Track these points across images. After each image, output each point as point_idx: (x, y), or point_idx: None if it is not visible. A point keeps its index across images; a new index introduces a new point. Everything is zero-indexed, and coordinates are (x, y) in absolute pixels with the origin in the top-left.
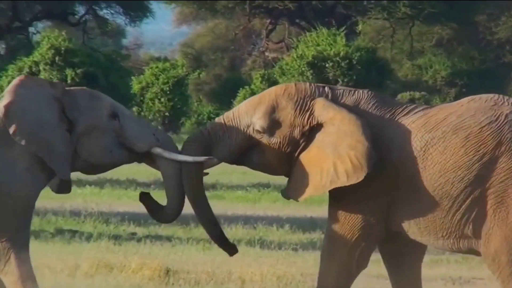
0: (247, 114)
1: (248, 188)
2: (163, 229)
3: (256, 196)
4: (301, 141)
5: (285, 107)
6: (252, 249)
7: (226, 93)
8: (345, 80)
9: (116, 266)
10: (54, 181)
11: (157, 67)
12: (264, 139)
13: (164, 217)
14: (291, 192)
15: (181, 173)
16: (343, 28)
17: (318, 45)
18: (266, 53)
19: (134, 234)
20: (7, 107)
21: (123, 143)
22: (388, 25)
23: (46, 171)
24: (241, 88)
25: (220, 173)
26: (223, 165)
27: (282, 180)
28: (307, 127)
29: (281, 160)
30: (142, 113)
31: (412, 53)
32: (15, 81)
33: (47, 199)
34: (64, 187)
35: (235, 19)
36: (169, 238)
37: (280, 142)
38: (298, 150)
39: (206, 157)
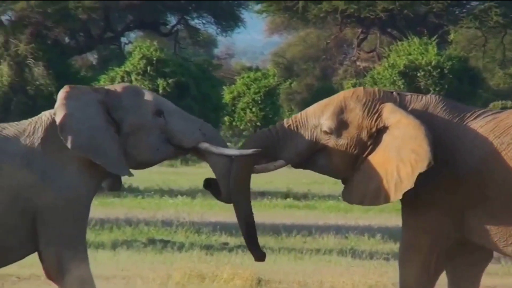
0: (315, 115)
1: (339, 197)
2: None
3: (348, 206)
4: (368, 144)
5: (353, 109)
6: (344, 259)
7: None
8: (437, 89)
9: (208, 276)
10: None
11: (248, 76)
12: (331, 140)
13: (222, 198)
14: (354, 196)
15: (231, 166)
16: (435, 37)
17: (410, 54)
18: (358, 63)
19: (226, 244)
20: (62, 123)
21: (170, 139)
22: (480, 34)
23: (97, 174)
24: None
25: (311, 183)
26: (315, 175)
27: None
28: (374, 129)
29: (347, 163)
30: (234, 123)
31: (504, 62)
32: (61, 94)
33: (138, 209)
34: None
35: (327, 29)
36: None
37: (347, 143)
38: (365, 153)
39: (254, 150)
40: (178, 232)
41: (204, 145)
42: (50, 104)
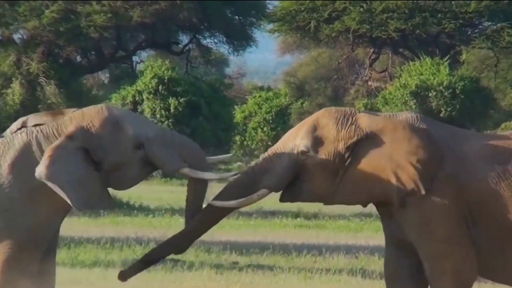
0: (290, 139)
1: (350, 217)
2: (265, 258)
3: (358, 225)
4: (346, 156)
5: (326, 124)
6: (354, 279)
7: None
8: (448, 109)
9: None
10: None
11: (260, 96)
12: (310, 159)
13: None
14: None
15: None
16: (447, 57)
17: (422, 74)
18: (369, 82)
19: (236, 263)
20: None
21: (151, 164)
22: (492, 55)
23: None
24: None
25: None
26: None
27: None
28: (352, 141)
29: (330, 181)
30: (245, 142)
31: None
32: (47, 153)
33: (149, 227)
34: None
35: (339, 48)
36: (270, 267)
37: (325, 158)
38: (345, 165)
39: (232, 173)
40: (188, 251)
41: (185, 171)
42: None
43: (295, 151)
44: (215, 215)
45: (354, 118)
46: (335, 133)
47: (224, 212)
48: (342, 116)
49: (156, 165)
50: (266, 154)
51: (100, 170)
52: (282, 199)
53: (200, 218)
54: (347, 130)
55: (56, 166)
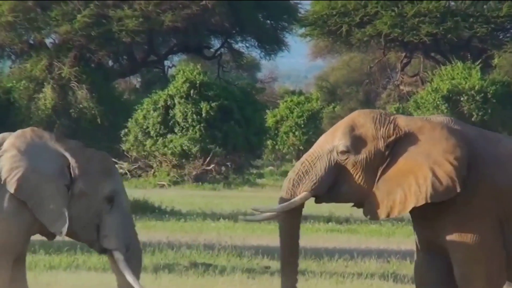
0: (327, 141)
1: (382, 222)
2: None
3: (390, 230)
4: (386, 154)
5: (364, 123)
6: (386, 283)
7: None
8: (480, 113)
9: None
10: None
11: (291, 100)
12: (350, 159)
13: None
14: (380, 210)
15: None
16: (479, 61)
17: (453, 78)
18: (401, 87)
19: (267, 267)
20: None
21: (98, 227)
22: None
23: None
24: None
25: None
26: None
27: None
28: (392, 138)
29: (370, 180)
30: (277, 147)
31: None
32: (11, 140)
33: (180, 232)
34: (49, 236)
35: (370, 53)
36: (302, 272)
37: (366, 157)
38: (384, 164)
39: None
40: (220, 255)
41: (117, 255)
42: (94, 127)
43: (334, 152)
44: (288, 223)
45: (391, 118)
46: (374, 131)
47: (291, 216)
48: (379, 115)
49: (102, 229)
50: (303, 159)
51: (69, 188)
52: (317, 201)
53: (281, 234)
54: (386, 128)
55: (21, 150)
